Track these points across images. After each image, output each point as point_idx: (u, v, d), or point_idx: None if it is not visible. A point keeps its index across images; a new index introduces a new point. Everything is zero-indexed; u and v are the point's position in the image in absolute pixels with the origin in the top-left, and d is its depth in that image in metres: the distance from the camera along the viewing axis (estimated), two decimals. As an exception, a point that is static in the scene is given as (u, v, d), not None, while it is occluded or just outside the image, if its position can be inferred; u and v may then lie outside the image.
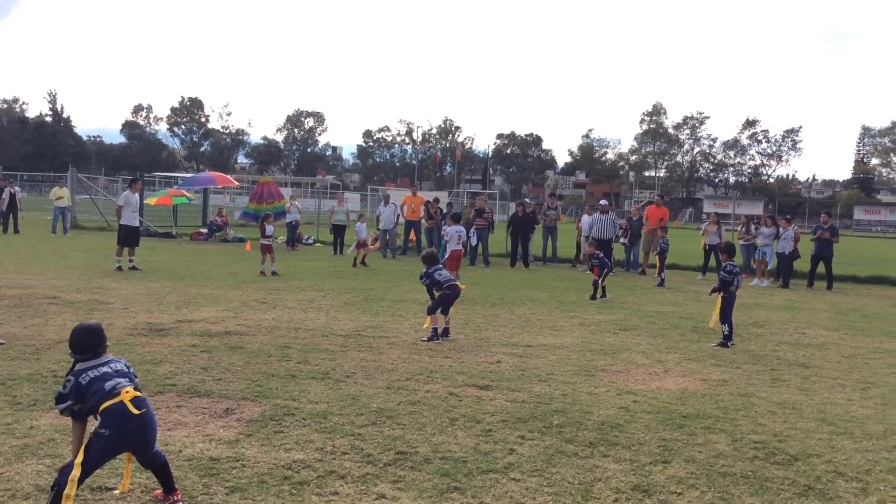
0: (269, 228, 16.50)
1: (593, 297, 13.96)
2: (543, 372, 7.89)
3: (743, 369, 8.50)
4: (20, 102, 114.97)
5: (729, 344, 9.78)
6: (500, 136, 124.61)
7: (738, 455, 5.51)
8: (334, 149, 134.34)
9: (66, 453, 4.89)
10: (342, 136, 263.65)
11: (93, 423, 4.16)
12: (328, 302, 12.25)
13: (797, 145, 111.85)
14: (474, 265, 20.52)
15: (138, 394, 4.15)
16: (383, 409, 6.26)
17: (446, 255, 15.15)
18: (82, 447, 4.03)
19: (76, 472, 3.93)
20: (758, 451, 5.59)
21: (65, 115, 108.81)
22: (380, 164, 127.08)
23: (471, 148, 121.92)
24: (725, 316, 9.89)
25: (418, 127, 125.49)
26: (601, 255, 14.87)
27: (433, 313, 9.54)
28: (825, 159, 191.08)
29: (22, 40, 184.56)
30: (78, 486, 3.98)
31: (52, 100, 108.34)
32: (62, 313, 10.05)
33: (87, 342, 4.28)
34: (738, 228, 21.29)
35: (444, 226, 18.10)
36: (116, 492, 4.41)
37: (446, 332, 9.61)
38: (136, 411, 4.05)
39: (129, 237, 15.98)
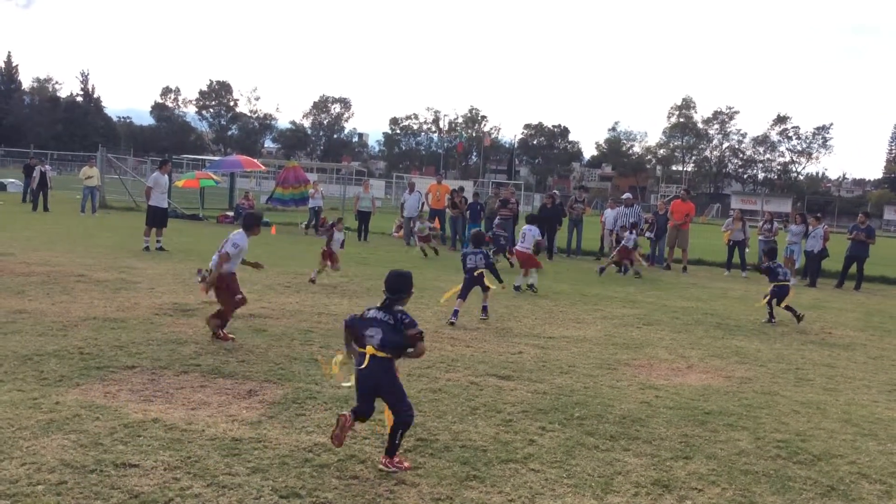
0: (339, 235, 13.51)
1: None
2: (565, 364, 7.87)
3: (767, 367, 8.42)
4: (53, 82, 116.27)
5: (773, 320, 11.49)
6: (527, 127, 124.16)
7: (761, 453, 5.46)
8: (360, 135, 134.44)
9: (90, 429, 4.97)
10: (368, 123, 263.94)
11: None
12: (352, 287, 12.29)
13: (828, 143, 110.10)
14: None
15: (376, 353, 4.71)
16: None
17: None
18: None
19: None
20: (780, 450, 5.55)
21: (95, 96, 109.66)
22: (405, 151, 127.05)
23: (497, 138, 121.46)
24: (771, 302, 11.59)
25: (445, 115, 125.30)
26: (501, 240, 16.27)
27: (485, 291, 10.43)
28: (856, 158, 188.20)
29: (56, 20, 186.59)
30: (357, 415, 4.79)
31: (84, 80, 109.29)
32: (89, 291, 10.17)
33: (399, 285, 4.95)
34: (760, 224, 21.11)
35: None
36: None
37: (484, 310, 10.40)
38: (362, 366, 4.75)
39: (157, 218, 16.13)
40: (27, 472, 4.30)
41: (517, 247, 14.22)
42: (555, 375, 7.38)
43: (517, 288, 13.12)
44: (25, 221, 21.00)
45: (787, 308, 11.71)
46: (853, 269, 18.12)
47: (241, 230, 8.38)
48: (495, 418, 5.87)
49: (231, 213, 27.42)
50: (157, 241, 15.91)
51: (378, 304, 4.89)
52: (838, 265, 18.50)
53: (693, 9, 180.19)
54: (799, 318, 11.61)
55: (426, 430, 5.48)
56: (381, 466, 4.70)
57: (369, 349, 4.72)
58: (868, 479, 5.09)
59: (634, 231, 17.91)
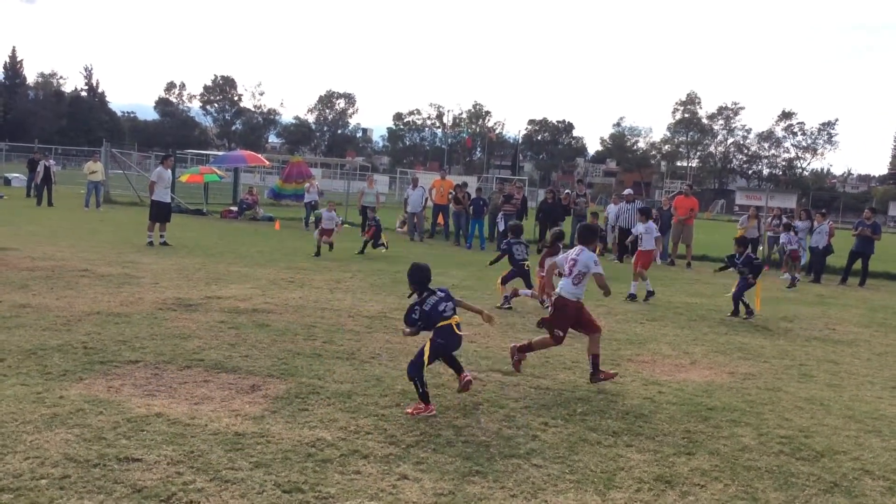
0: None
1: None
2: (568, 360, 7.87)
3: (771, 363, 8.41)
4: (57, 77, 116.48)
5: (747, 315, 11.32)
6: (531, 122, 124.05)
7: (764, 449, 5.46)
8: (364, 130, 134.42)
9: (94, 424, 4.98)
10: (373, 118, 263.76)
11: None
12: (355, 283, 12.30)
13: (833, 139, 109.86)
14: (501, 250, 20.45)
15: (459, 319, 5.89)
16: (407, 390, 6.27)
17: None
18: (427, 349, 5.76)
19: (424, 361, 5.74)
20: (783, 446, 5.54)
21: (100, 91, 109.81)
22: (409, 147, 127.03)
23: (501, 133, 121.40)
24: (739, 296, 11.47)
25: (449, 111, 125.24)
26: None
27: (504, 283, 11.06)
28: (861, 154, 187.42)
29: (61, 15, 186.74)
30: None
31: (88, 75, 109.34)
32: (93, 286, 10.19)
33: (424, 277, 6.05)
34: (769, 220, 21.09)
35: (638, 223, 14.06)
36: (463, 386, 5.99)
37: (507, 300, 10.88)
38: (458, 332, 5.87)
39: (160, 213, 16.15)
40: (31, 466, 4.31)
41: (642, 248, 12.85)
42: (558, 371, 7.38)
43: (632, 297, 12.35)
44: (29, 216, 21.05)
45: (744, 302, 11.53)
46: (857, 265, 18.08)
47: (582, 247, 7.39)
48: (498, 413, 5.87)
49: (235, 209, 27.48)
50: (161, 236, 15.94)
51: (427, 294, 6.01)
52: (843, 261, 18.45)
53: (698, 4, 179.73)
54: (735, 314, 11.45)
55: (429, 424, 5.48)
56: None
57: (453, 320, 5.85)
58: (871, 476, 5.08)
59: (790, 231, 17.70)
